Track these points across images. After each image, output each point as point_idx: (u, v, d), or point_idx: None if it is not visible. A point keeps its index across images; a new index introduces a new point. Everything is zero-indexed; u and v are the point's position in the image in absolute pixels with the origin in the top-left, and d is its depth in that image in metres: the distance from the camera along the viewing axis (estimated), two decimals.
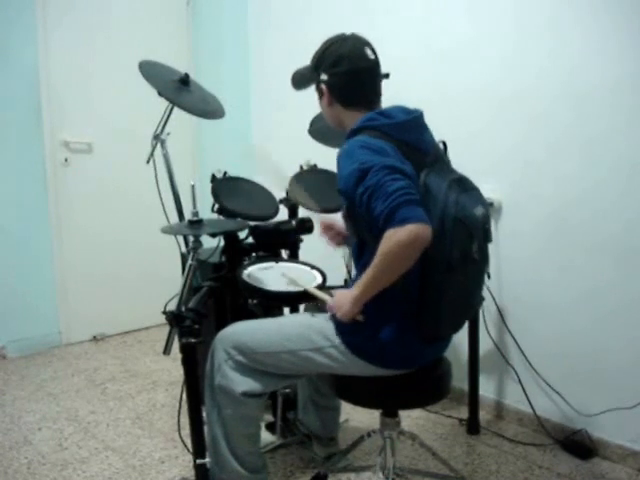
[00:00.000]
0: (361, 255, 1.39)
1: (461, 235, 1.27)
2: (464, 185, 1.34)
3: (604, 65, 1.85)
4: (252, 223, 1.91)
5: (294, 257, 2.06)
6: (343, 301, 1.33)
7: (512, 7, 2.06)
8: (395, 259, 1.19)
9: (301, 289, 1.58)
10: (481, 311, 2.14)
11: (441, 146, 1.45)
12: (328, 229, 1.68)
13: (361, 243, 1.39)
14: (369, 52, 1.42)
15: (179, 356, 1.48)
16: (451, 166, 1.44)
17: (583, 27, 1.89)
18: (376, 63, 1.43)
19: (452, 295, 1.32)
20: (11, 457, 2.00)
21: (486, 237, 1.37)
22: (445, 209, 1.25)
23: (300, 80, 1.53)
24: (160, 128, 2.14)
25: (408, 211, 1.16)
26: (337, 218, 1.61)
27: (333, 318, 1.41)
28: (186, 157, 3.51)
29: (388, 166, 1.22)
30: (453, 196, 1.27)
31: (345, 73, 1.40)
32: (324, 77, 1.42)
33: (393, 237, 1.16)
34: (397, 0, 2.43)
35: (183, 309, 1.52)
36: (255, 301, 1.69)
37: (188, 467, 1.88)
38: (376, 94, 1.45)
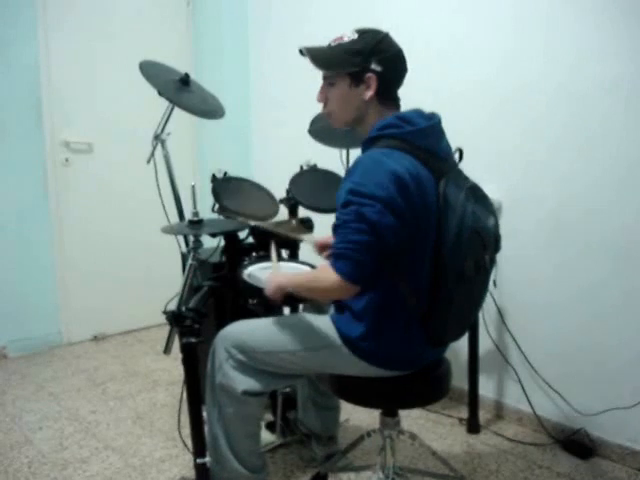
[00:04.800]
0: None
1: (476, 246, 1.28)
2: (477, 194, 1.34)
3: (602, 64, 1.85)
4: (252, 223, 1.91)
5: (294, 257, 2.06)
6: (272, 281, 1.41)
7: (511, 6, 2.06)
8: (316, 291, 1.34)
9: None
10: (481, 311, 2.15)
11: (457, 153, 1.43)
12: (322, 249, 1.65)
13: None
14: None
15: (179, 356, 1.48)
16: (463, 173, 1.43)
17: (581, 27, 1.89)
18: None
19: (460, 303, 1.33)
20: (12, 457, 2.00)
21: (496, 247, 1.38)
22: (463, 220, 1.26)
23: (328, 60, 1.38)
24: (160, 128, 2.14)
25: (346, 266, 1.24)
26: (329, 238, 1.60)
27: (333, 318, 1.42)
28: (186, 157, 3.51)
29: (361, 214, 1.22)
30: (470, 207, 1.27)
31: (401, 70, 1.39)
32: (377, 68, 1.33)
33: (324, 276, 1.28)
34: None
35: (183, 309, 1.52)
36: (255, 301, 1.69)
37: (188, 466, 1.89)
38: None
